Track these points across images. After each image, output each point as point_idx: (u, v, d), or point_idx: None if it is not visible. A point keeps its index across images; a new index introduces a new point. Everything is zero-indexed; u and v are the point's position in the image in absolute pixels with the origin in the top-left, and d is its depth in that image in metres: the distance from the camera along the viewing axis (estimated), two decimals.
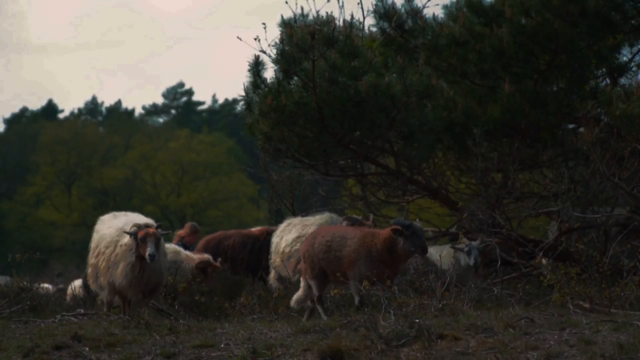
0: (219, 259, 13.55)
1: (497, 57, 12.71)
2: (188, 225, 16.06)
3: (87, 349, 8.41)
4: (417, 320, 8.27)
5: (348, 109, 12.27)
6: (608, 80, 13.39)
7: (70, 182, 49.24)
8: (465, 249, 11.64)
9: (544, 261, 12.62)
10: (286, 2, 12.34)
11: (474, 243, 11.67)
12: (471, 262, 11.58)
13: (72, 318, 10.87)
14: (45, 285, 16.04)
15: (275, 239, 13.86)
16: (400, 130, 12.59)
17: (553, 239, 12.71)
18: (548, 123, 12.93)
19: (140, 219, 11.63)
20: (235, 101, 61.09)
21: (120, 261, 11.19)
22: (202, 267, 13.07)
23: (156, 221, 11.50)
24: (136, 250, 11.00)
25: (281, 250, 13.52)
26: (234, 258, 14.74)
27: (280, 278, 13.09)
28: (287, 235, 13.70)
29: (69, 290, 15.90)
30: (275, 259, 13.62)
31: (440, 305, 9.48)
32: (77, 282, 15.93)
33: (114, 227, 11.63)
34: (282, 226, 13.97)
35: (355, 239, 10.05)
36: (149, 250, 10.84)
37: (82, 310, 11.65)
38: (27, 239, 43.37)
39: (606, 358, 7.22)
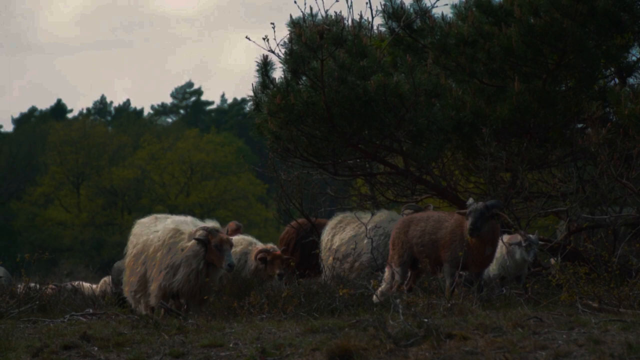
0: (283, 247, 13.26)
1: (505, 57, 12.70)
2: (232, 223, 15.80)
3: (96, 348, 8.42)
4: (425, 320, 8.26)
5: (357, 109, 12.27)
6: (616, 80, 13.40)
7: (79, 182, 49.40)
8: (524, 244, 11.09)
9: (552, 261, 12.61)
10: (295, 2, 12.38)
11: (533, 237, 11.13)
12: (530, 257, 11.06)
13: (81, 318, 10.87)
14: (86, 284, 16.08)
15: (325, 236, 13.85)
16: (409, 130, 12.58)
17: (562, 238, 12.70)
18: (557, 123, 12.93)
19: (184, 220, 11.32)
20: (244, 101, 61.42)
21: (180, 266, 10.78)
22: (263, 256, 12.73)
23: None
24: (204, 257, 10.61)
25: (335, 248, 13.46)
26: None
27: (334, 276, 12.92)
28: (340, 234, 13.65)
29: (101, 287, 15.82)
30: (327, 258, 13.55)
31: (449, 304, 9.48)
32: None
33: (161, 229, 11.26)
34: (332, 223, 13.96)
35: (452, 221, 10.33)
36: (227, 260, 10.40)
37: (91, 310, 11.66)
38: (36, 239, 43.54)
39: (615, 357, 7.21)
